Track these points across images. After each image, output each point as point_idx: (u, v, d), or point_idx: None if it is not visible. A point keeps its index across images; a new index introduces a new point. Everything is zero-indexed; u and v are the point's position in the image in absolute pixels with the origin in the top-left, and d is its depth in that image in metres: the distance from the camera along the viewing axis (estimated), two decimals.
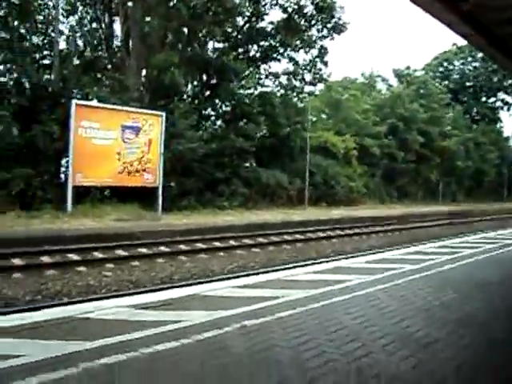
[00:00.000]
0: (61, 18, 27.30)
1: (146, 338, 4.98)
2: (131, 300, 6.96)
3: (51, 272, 11.93)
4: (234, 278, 10.49)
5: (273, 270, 11.87)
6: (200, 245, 16.58)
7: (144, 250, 15.09)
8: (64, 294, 10.36)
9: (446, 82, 62.70)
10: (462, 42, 13.21)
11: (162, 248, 15.72)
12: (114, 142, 21.92)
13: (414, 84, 51.74)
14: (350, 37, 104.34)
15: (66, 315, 5.86)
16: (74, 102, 20.63)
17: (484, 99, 68.94)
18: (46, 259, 12.95)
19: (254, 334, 5.26)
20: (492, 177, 56.78)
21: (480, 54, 51.93)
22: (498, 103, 70.98)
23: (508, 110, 72.42)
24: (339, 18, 33.44)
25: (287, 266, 13.12)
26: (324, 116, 39.22)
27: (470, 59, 64.85)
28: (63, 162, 22.22)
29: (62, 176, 22.25)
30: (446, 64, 67.11)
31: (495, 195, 57.92)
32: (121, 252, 14.58)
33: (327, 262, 13.20)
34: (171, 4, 27.73)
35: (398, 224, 26.47)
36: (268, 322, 5.69)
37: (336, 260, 13.57)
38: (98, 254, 14.04)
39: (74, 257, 13.51)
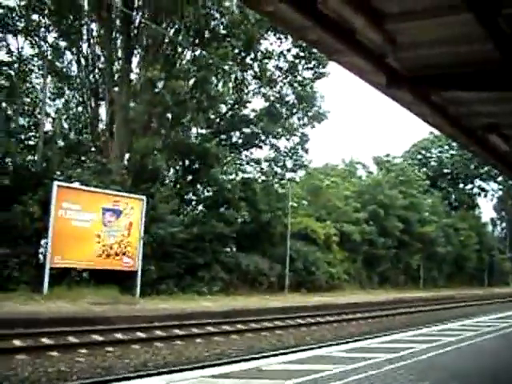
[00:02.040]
0: (47, 100, 27.89)
1: None
2: None
3: (21, 357, 11.56)
4: (209, 366, 10.26)
5: (250, 359, 11.65)
6: (177, 331, 16.26)
7: (119, 336, 14.76)
8: (31, 381, 10.02)
9: (425, 169, 64.16)
10: None
11: (138, 333, 15.38)
12: (94, 224, 21.90)
13: (393, 171, 52.79)
14: (331, 124, 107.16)
15: None
16: (55, 183, 20.78)
17: (462, 186, 70.49)
18: (17, 343, 12.60)
19: None
20: (473, 262, 57.09)
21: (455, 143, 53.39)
22: (476, 190, 72.65)
23: (485, 196, 74.09)
24: (320, 107, 34.64)
25: (265, 355, 12.87)
26: (305, 202, 39.63)
27: (446, 147, 66.72)
28: (42, 242, 22.05)
29: (41, 257, 22.02)
30: (423, 152, 68.94)
31: (476, 280, 58.12)
32: (95, 337, 14.25)
33: (306, 350, 12.98)
34: (156, 90, 28.47)
35: (377, 311, 26.26)
36: None
37: (315, 348, 13.35)
38: (71, 339, 13.71)
39: (47, 341, 13.15)
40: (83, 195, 21.80)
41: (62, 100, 30.67)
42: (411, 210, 47.82)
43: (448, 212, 60.52)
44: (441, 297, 38.76)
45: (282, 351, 13.43)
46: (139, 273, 22.82)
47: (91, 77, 29.12)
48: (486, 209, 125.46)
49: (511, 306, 32.39)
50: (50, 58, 28.17)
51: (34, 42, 28.57)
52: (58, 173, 24.33)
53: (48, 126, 28.01)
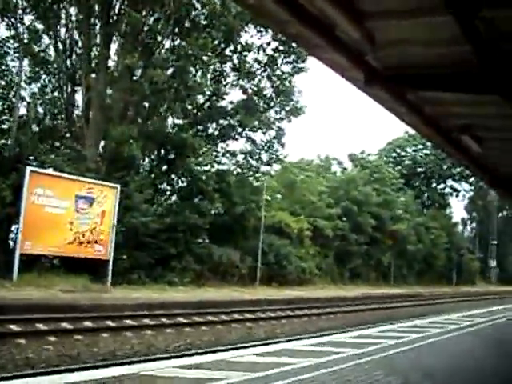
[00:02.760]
0: (23, 84, 27.50)
1: None
2: (68, 377, 6.75)
3: None
4: (178, 357, 10.28)
5: (219, 350, 11.69)
6: (147, 320, 16.22)
7: (89, 324, 14.69)
8: None
9: (399, 168, 64.67)
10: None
11: (108, 322, 15.31)
12: (66, 211, 21.70)
13: (367, 168, 53.15)
14: (308, 119, 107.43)
15: None
16: (28, 168, 20.50)
17: (434, 185, 71.34)
18: None
19: None
20: (442, 261, 57.84)
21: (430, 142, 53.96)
22: (448, 190, 73.61)
23: (457, 196, 75.10)
24: (297, 102, 34.68)
25: (234, 347, 12.91)
26: (279, 196, 39.75)
27: (421, 146, 67.33)
28: (13, 228, 21.79)
29: (11, 243, 21.76)
30: (398, 150, 69.51)
31: (445, 279, 58.93)
32: (65, 325, 14.15)
33: (275, 343, 13.04)
34: (134, 78, 28.25)
35: (348, 306, 26.49)
36: None
37: (283, 342, 13.42)
38: (40, 326, 13.59)
39: (15, 328, 13.01)
40: (56, 181, 21.57)
41: (38, 84, 30.26)
42: (384, 208, 48.23)
43: (420, 210, 61.20)
44: (410, 294, 39.19)
45: (251, 344, 13.49)
46: (111, 261, 22.68)
47: (68, 62, 28.74)
48: (457, 209, 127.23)
49: (477, 304, 32.92)
50: (26, 40, 27.75)
51: (10, 23, 28.04)
52: (32, 158, 24.05)
53: (22, 111, 27.65)
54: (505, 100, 7.35)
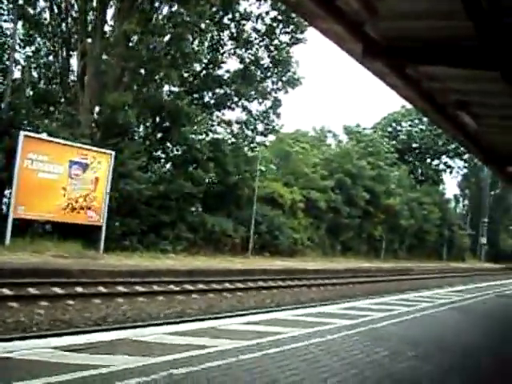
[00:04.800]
0: (17, 47, 27.13)
1: (68, 383, 4.83)
2: (59, 341, 6.79)
3: None
4: (169, 323, 10.36)
5: (210, 318, 11.80)
6: (139, 287, 16.32)
7: (80, 289, 14.76)
8: None
9: (394, 142, 64.59)
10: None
11: (100, 288, 15.39)
12: (60, 176, 21.61)
13: (362, 141, 53.05)
14: (305, 91, 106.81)
15: None
16: (22, 133, 20.33)
17: (429, 161, 71.43)
18: None
19: None
20: (433, 236, 58.21)
21: (426, 118, 53.97)
22: (442, 166, 73.74)
23: (450, 173, 75.31)
24: (294, 72, 34.38)
25: (225, 315, 13.02)
26: (273, 167, 39.72)
27: (416, 121, 67.24)
28: (6, 192, 21.73)
29: (4, 207, 21.73)
30: (394, 124, 69.39)
31: (435, 254, 59.42)
32: (57, 290, 14.21)
33: (265, 312, 13.17)
34: (130, 44, 27.92)
35: (338, 278, 26.69)
36: (196, 372, 5.63)
37: (274, 311, 13.57)
38: (32, 290, 13.66)
39: (7, 291, 13.07)
40: (50, 147, 21.42)
41: (33, 48, 29.80)
42: (378, 182, 48.26)
43: (413, 186, 61.34)
44: (401, 268, 39.56)
45: (242, 312, 13.61)
46: (104, 228, 22.69)
47: (63, 26, 28.31)
48: (451, 185, 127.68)
49: (466, 280, 33.29)
50: (21, 2, 27.28)
51: None
52: (26, 122, 23.83)
53: (17, 74, 27.27)
54: (505, 76, 7.32)
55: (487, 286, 25.04)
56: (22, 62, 28.86)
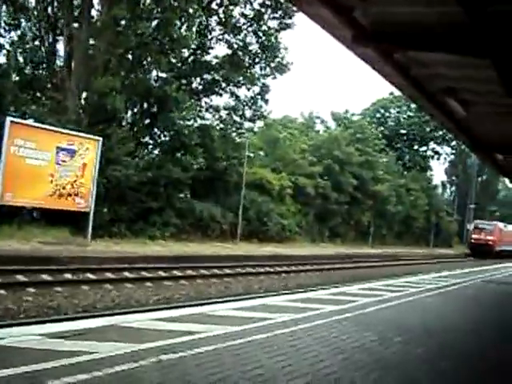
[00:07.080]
0: (2, 31, 26.81)
1: (55, 370, 4.81)
2: (47, 327, 6.77)
3: None
4: (158, 310, 10.36)
5: (198, 304, 11.82)
6: (127, 274, 16.33)
7: (69, 276, 14.75)
8: None
9: (382, 129, 64.66)
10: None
11: (88, 275, 15.38)
12: (47, 163, 21.42)
13: (351, 128, 53.08)
14: (293, 77, 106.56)
15: None
16: (8, 119, 20.11)
17: (416, 147, 71.65)
18: None
19: (169, 369, 5.18)
20: (421, 223, 58.54)
21: (414, 104, 54.09)
22: (429, 152, 74.02)
23: (438, 159, 75.65)
24: (282, 58, 34.25)
25: (213, 301, 13.04)
26: (261, 153, 39.68)
27: (404, 108, 67.36)
28: None
29: None
30: (382, 111, 69.50)
31: (423, 240, 59.81)
32: (44, 276, 14.18)
33: (253, 298, 13.19)
34: (118, 29, 27.62)
35: (326, 264, 26.82)
36: (185, 358, 5.63)
37: (262, 297, 13.58)
38: (20, 277, 13.61)
39: None
40: (37, 133, 21.21)
41: (18, 32, 29.38)
42: (366, 168, 48.41)
43: (401, 172, 61.58)
44: (388, 254, 39.82)
45: (230, 298, 13.65)
46: (91, 214, 22.58)
47: (49, 10, 27.96)
48: (438, 172, 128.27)
49: (453, 266, 33.55)
50: None
51: None
52: (12, 108, 23.58)
53: (2, 59, 26.94)
54: (496, 64, 7.31)
55: (474, 272, 25.27)
56: (7, 46, 28.45)
